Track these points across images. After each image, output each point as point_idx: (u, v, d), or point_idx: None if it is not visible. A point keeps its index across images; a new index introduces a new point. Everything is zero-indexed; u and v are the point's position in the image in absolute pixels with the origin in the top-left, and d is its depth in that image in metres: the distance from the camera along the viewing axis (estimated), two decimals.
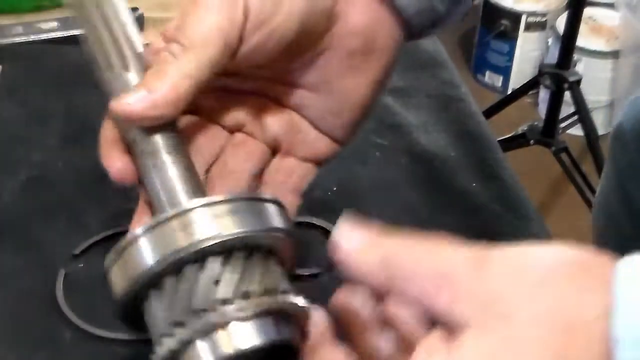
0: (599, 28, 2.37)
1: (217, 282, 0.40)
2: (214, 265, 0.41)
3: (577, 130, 2.13)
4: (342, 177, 0.68)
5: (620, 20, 2.34)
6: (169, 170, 0.45)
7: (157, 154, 0.46)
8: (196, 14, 0.48)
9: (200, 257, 0.41)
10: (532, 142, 2.03)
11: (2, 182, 0.66)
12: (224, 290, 0.40)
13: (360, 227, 0.43)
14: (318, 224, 0.63)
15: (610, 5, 2.44)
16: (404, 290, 0.40)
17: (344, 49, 0.49)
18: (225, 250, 0.41)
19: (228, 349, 0.40)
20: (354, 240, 0.42)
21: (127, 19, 0.52)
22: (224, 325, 0.40)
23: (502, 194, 0.68)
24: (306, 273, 0.59)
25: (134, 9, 0.89)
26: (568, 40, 1.94)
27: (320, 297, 0.44)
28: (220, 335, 0.40)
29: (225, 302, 0.40)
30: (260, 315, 0.40)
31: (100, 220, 0.60)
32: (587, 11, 2.12)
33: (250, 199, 0.44)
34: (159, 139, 0.46)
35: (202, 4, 0.48)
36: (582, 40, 2.14)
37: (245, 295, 0.40)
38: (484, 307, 0.37)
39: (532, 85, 2.10)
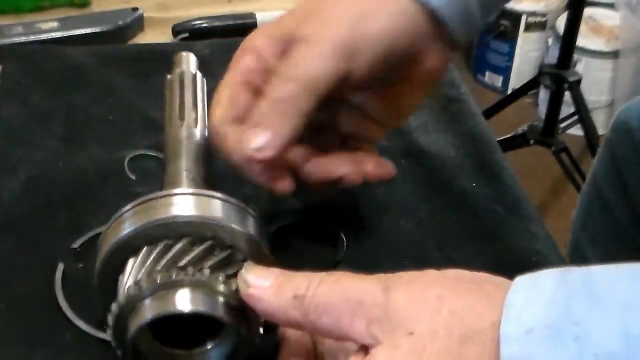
0: (599, 28, 2.37)
1: (179, 256, 0.46)
2: (184, 243, 0.47)
3: (577, 130, 2.13)
4: None
5: (620, 20, 2.34)
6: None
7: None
8: (309, 54, 0.53)
9: (175, 236, 0.47)
10: (532, 142, 2.03)
11: (2, 182, 0.66)
12: (181, 261, 0.46)
13: (265, 270, 0.45)
14: (318, 224, 0.63)
15: (610, 5, 2.44)
16: (319, 321, 0.43)
17: (419, 85, 0.59)
18: (198, 236, 0.47)
19: (166, 308, 0.44)
20: (264, 282, 0.45)
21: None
22: (169, 287, 0.45)
23: (502, 194, 0.68)
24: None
25: (134, 9, 0.89)
26: (568, 40, 1.94)
27: None
28: (163, 297, 0.45)
29: (177, 269, 0.45)
30: (201, 288, 0.45)
31: (100, 219, 0.60)
32: (587, 11, 2.12)
33: (230, 202, 0.50)
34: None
35: (313, 43, 0.53)
36: (582, 40, 2.14)
37: (199, 271, 0.45)
38: (393, 326, 0.41)
39: (532, 85, 2.10)
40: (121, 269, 0.48)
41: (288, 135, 0.52)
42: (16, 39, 0.84)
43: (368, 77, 0.54)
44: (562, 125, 2.10)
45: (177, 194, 0.49)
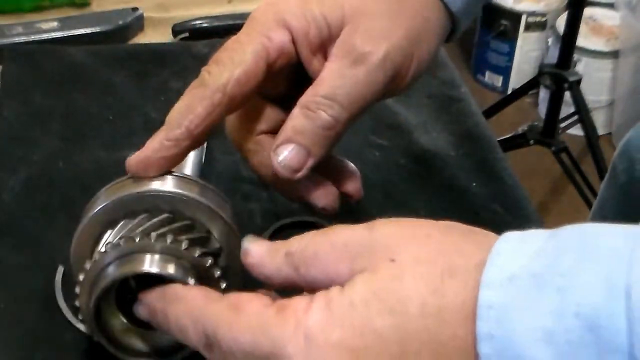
0: (599, 28, 2.37)
1: (145, 227, 0.48)
2: (162, 217, 0.49)
3: (577, 130, 2.13)
4: None
5: (620, 20, 2.34)
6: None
7: None
8: (364, 78, 0.51)
9: (151, 209, 0.49)
10: (532, 142, 2.03)
11: (3, 182, 0.66)
12: (148, 229, 0.48)
13: (264, 240, 0.46)
14: (318, 223, 0.63)
15: (610, 5, 2.44)
16: (309, 274, 0.42)
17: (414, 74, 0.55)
18: (170, 213, 0.49)
19: (129, 270, 0.46)
20: (261, 246, 0.45)
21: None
22: (133, 252, 0.46)
23: (502, 194, 0.68)
24: None
25: (134, 9, 0.89)
26: (568, 40, 1.94)
27: None
28: (127, 261, 0.46)
29: (142, 236, 0.47)
30: (165, 254, 0.47)
31: None
32: (587, 11, 2.12)
33: (201, 185, 0.51)
34: None
35: (372, 66, 0.52)
36: (582, 40, 2.15)
37: (164, 241, 0.47)
38: (375, 255, 0.40)
39: (532, 85, 2.10)
40: (95, 245, 0.50)
41: (321, 157, 0.51)
42: (16, 39, 0.84)
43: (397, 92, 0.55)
44: (562, 125, 2.10)
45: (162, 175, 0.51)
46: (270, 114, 0.55)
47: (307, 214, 0.64)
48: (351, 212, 0.65)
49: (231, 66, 0.50)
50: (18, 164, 0.68)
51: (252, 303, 0.41)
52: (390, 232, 0.41)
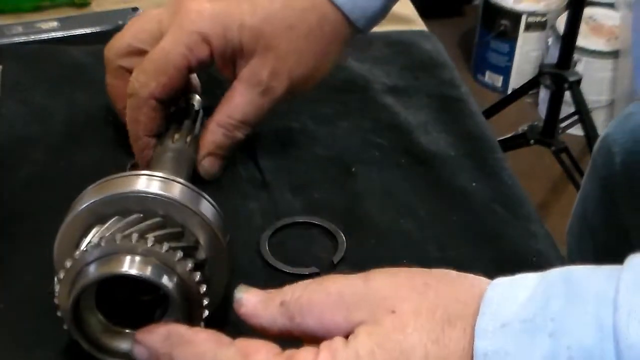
0: (599, 28, 2.37)
1: (127, 227, 0.48)
2: (155, 220, 0.49)
3: (577, 130, 2.13)
4: (342, 177, 0.69)
5: (620, 20, 2.34)
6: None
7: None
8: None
9: (143, 211, 0.49)
10: (532, 142, 2.03)
11: (3, 181, 0.66)
12: (132, 230, 0.47)
13: (257, 289, 0.46)
14: (318, 223, 0.63)
15: (610, 5, 2.44)
16: (305, 323, 0.43)
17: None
18: (151, 211, 0.49)
19: (108, 270, 0.46)
20: (255, 295, 0.45)
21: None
22: (113, 253, 0.46)
23: (502, 194, 0.68)
24: (306, 272, 0.59)
25: (134, 9, 0.89)
26: (568, 40, 1.94)
27: None
28: (108, 261, 0.46)
29: (123, 237, 0.46)
30: (147, 257, 0.47)
31: None
32: (587, 11, 2.12)
33: (189, 188, 0.52)
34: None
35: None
36: (582, 40, 2.14)
37: (144, 239, 0.47)
38: (375, 307, 0.41)
39: (532, 85, 2.10)
40: (79, 242, 0.50)
41: None
42: (16, 39, 0.84)
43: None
44: (562, 125, 2.10)
45: (141, 175, 0.51)
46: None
47: (307, 214, 0.64)
48: (351, 212, 0.65)
49: (156, 75, 0.61)
50: (18, 163, 0.68)
51: (262, 352, 0.42)
52: (387, 283, 0.43)
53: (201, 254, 0.50)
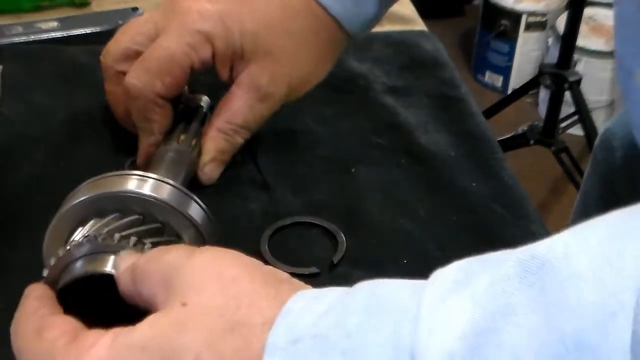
0: (599, 28, 2.37)
1: (117, 228, 0.48)
2: (132, 218, 0.49)
3: (577, 130, 2.14)
4: (342, 177, 0.69)
5: None
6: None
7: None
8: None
9: (122, 210, 0.49)
10: (532, 142, 2.03)
11: (3, 181, 0.66)
12: (114, 230, 0.47)
13: (136, 254, 0.46)
14: (318, 223, 0.63)
15: (610, 5, 2.43)
16: (142, 291, 0.43)
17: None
18: (146, 216, 0.50)
19: (89, 269, 0.46)
20: (130, 257, 0.45)
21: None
22: (96, 252, 0.46)
23: (502, 194, 0.68)
24: (306, 272, 0.59)
25: (134, 9, 0.89)
26: (568, 40, 1.94)
27: None
28: (90, 261, 0.46)
29: (107, 237, 0.46)
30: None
31: None
32: (587, 11, 2.12)
33: (179, 189, 0.51)
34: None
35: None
36: (582, 40, 2.15)
37: (132, 242, 0.46)
38: (176, 291, 0.40)
39: (532, 85, 2.10)
40: (66, 241, 0.50)
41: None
42: (16, 39, 0.84)
43: None
44: (562, 125, 2.10)
45: (133, 175, 0.51)
46: None
47: (307, 214, 0.64)
48: (351, 212, 0.65)
49: (160, 75, 0.61)
50: (18, 163, 0.68)
51: (54, 329, 0.41)
52: (201, 267, 0.41)
53: None
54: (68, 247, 0.47)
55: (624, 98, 0.59)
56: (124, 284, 0.44)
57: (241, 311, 0.38)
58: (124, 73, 0.63)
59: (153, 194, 0.50)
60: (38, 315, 0.43)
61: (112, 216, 0.49)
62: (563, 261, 0.32)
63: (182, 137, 0.64)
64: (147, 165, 0.63)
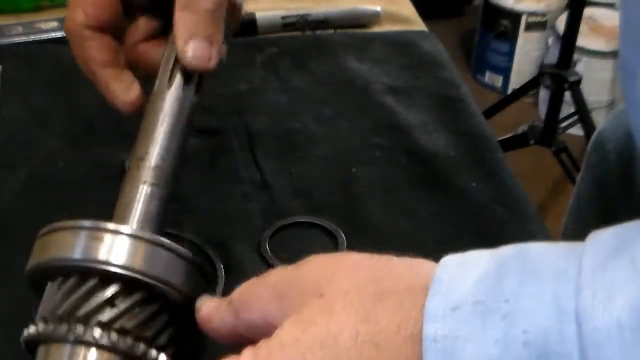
0: (599, 28, 2.37)
1: (103, 305, 0.43)
2: (112, 289, 0.44)
3: (577, 130, 2.13)
4: (342, 177, 0.68)
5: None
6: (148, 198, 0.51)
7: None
8: None
9: (106, 277, 0.44)
10: (532, 142, 2.03)
11: (3, 182, 0.66)
12: (104, 315, 0.43)
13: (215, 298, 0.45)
14: (318, 223, 0.63)
15: (610, 5, 2.44)
16: (247, 317, 0.42)
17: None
18: (128, 282, 0.44)
19: None
20: (212, 300, 0.45)
21: None
22: (80, 342, 0.43)
23: (502, 194, 0.68)
24: None
25: None
26: (568, 40, 1.94)
27: None
28: (72, 349, 0.43)
29: (90, 322, 0.43)
30: (114, 351, 0.43)
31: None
32: (587, 11, 2.12)
33: (173, 251, 0.45)
34: None
35: None
36: (582, 40, 2.14)
37: (117, 330, 0.43)
38: (304, 292, 0.40)
39: (532, 85, 2.10)
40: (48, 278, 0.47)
41: (222, 40, 0.53)
42: (16, 39, 0.84)
43: None
44: (562, 125, 2.10)
45: (112, 232, 0.46)
46: (143, 22, 0.57)
47: (307, 214, 0.64)
48: (351, 212, 0.65)
49: (79, 3, 0.54)
50: (18, 164, 0.68)
51: None
52: (317, 267, 0.41)
53: (164, 317, 0.45)
54: (36, 322, 0.45)
55: (626, 100, 0.58)
56: (220, 319, 0.43)
57: (383, 281, 0.39)
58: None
59: (124, 266, 0.44)
60: None
61: (89, 284, 0.44)
62: None
63: (176, 77, 0.53)
64: (138, 133, 0.54)
